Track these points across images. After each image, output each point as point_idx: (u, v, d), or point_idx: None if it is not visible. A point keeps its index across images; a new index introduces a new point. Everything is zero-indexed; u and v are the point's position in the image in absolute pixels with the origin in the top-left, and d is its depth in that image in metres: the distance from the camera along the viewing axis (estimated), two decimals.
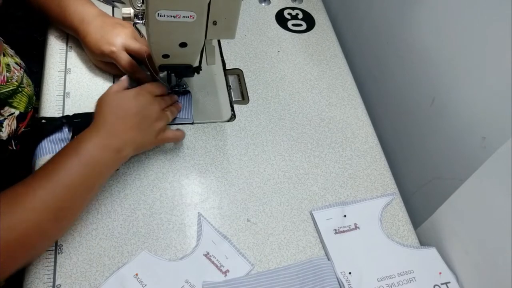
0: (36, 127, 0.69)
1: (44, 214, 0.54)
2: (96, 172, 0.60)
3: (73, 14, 0.74)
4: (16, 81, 0.67)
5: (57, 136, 0.68)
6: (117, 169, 0.68)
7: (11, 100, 0.66)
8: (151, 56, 0.68)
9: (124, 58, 0.72)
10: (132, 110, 0.64)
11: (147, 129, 0.65)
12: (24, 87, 0.69)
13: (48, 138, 0.68)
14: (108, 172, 0.63)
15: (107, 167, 0.62)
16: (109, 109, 0.63)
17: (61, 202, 0.56)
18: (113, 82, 0.78)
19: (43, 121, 0.70)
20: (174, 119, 0.74)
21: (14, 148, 0.67)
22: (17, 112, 0.67)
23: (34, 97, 0.72)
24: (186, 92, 0.78)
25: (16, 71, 0.69)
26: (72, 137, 0.68)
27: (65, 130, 0.69)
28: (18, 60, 0.71)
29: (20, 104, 0.68)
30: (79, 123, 0.68)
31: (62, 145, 0.67)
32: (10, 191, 0.54)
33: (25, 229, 0.53)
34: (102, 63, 0.76)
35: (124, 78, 0.68)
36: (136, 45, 0.72)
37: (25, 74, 0.70)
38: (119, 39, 0.72)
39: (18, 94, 0.67)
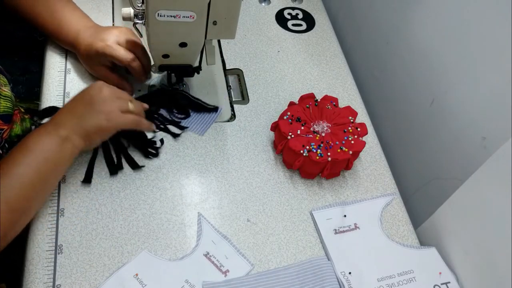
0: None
1: None
2: (47, 162, 0.60)
3: (69, 27, 0.74)
4: None
5: None
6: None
7: None
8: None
9: (119, 49, 0.71)
10: (83, 99, 0.63)
11: (92, 112, 0.63)
12: None
13: None
14: (59, 162, 0.61)
15: (55, 155, 0.61)
16: (68, 103, 0.65)
17: (11, 191, 0.56)
18: None
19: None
20: (180, 127, 0.75)
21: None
22: None
23: (13, 97, 0.69)
24: (214, 109, 0.77)
25: None
26: None
27: None
28: None
29: None
30: None
31: None
32: None
33: None
34: (102, 68, 0.74)
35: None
36: (131, 37, 0.72)
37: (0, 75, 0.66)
38: (112, 36, 0.71)
39: None
